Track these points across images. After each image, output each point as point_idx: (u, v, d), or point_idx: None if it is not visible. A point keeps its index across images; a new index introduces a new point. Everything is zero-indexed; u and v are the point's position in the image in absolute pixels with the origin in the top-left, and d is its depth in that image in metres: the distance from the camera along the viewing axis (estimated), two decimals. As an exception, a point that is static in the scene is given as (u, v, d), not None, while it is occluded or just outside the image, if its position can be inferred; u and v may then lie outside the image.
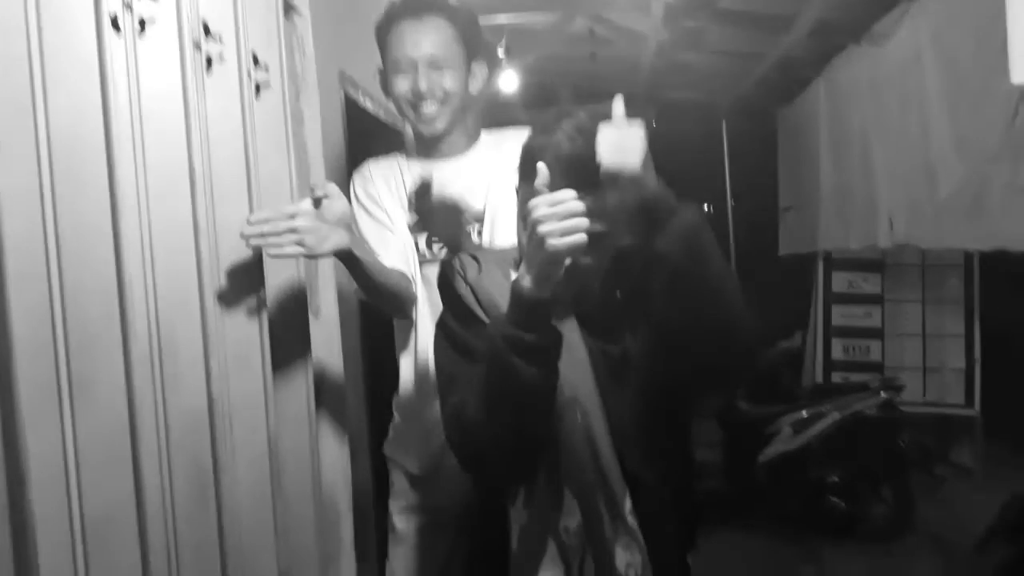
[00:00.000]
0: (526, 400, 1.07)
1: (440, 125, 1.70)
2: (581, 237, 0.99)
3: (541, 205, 1.01)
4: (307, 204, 1.38)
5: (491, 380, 1.06)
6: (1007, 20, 1.57)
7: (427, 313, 1.73)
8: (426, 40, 1.66)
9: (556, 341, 1.07)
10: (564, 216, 0.99)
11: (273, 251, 1.32)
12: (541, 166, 1.05)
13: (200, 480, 1.21)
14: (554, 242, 0.99)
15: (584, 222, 1.00)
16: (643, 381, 1.21)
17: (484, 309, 1.19)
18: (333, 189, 1.41)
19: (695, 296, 1.10)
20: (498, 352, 1.05)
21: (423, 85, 1.65)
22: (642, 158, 1.08)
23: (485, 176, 1.72)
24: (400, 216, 1.75)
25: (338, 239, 1.38)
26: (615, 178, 1.07)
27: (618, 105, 1.13)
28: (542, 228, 1.00)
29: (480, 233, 1.72)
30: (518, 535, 1.17)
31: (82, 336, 0.99)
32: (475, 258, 1.25)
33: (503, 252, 1.30)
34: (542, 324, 1.05)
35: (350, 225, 1.42)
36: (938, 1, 3.02)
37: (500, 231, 1.67)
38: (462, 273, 1.23)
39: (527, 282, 1.03)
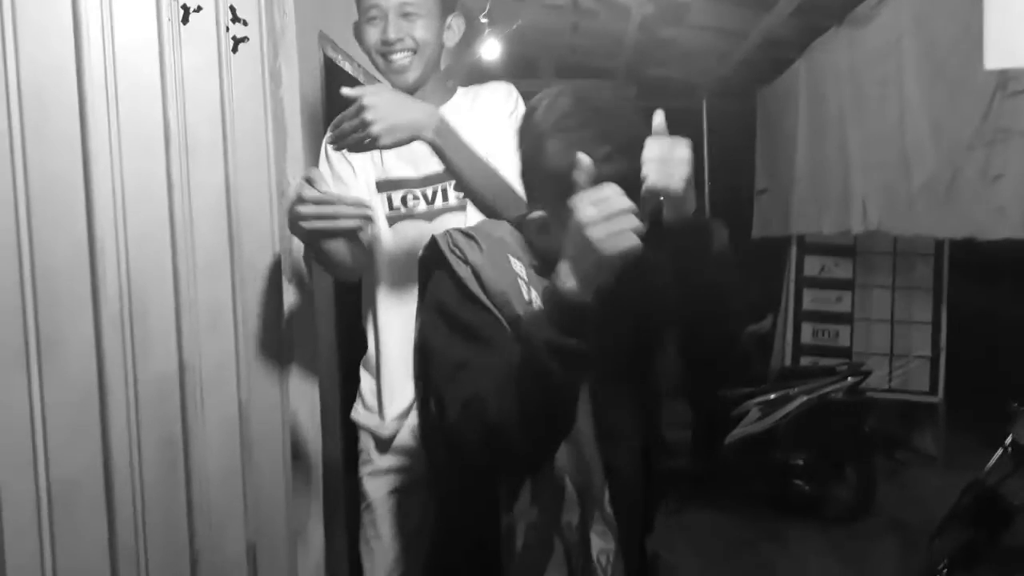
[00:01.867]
0: (560, 403, 1.01)
1: (411, 76, 1.66)
2: (636, 241, 0.94)
3: (586, 204, 0.94)
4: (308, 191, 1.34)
5: (525, 383, 0.99)
6: (984, 7, 1.56)
7: (389, 273, 1.70)
8: None
9: (594, 345, 1.00)
10: (612, 215, 0.94)
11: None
12: (582, 157, 0.98)
13: (169, 447, 1.18)
14: (605, 248, 0.93)
15: (636, 222, 0.94)
16: (626, 369, 1.20)
17: (490, 296, 1.10)
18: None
19: (704, 305, 1.12)
20: (536, 356, 0.97)
21: (392, 33, 1.61)
22: (687, 178, 1.06)
23: (466, 126, 1.69)
24: (370, 170, 1.71)
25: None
26: (658, 197, 1.05)
27: (659, 119, 1.09)
28: (593, 232, 0.93)
29: (449, 189, 1.68)
30: (523, 533, 1.11)
31: (51, 296, 0.95)
32: (471, 236, 1.14)
33: (495, 231, 1.20)
34: (585, 328, 0.98)
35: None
36: (921, -14, 3.02)
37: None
38: (460, 254, 1.12)
39: (571, 284, 0.97)
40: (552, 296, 0.99)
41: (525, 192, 1.20)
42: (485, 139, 1.64)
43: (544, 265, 1.15)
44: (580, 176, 0.98)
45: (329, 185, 1.47)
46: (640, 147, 1.06)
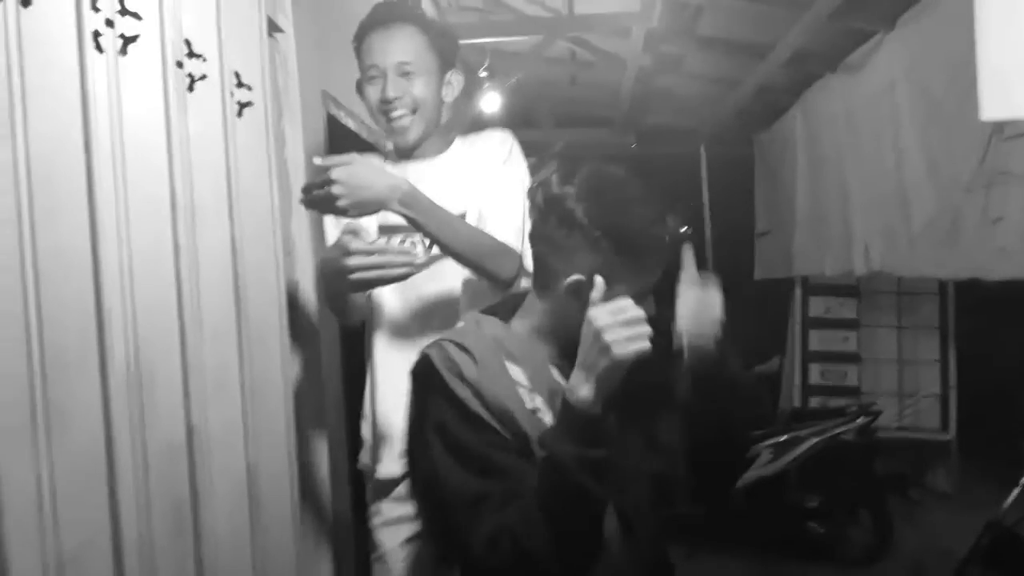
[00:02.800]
0: (595, 517, 1.02)
1: (412, 136, 1.70)
2: (646, 344, 0.98)
3: (603, 314, 0.99)
4: (338, 171, 1.40)
5: (555, 503, 0.99)
6: (977, 56, 1.58)
7: (387, 316, 1.71)
8: (395, 47, 1.65)
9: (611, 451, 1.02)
10: (627, 323, 0.98)
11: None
12: (599, 281, 1.03)
13: (178, 512, 1.17)
14: (620, 350, 0.97)
15: (647, 329, 0.99)
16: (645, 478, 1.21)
17: (493, 414, 1.07)
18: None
19: (714, 431, 1.16)
20: (565, 473, 0.98)
21: (391, 92, 1.65)
22: (719, 325, 1.10)
23: (461, 175, 1.71)
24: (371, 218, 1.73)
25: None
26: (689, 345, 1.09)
27: (688, 257, 1.14)
28: (609, 336, 0.97)
29: None
30: None
31: (59, 364, 0.95)
32: (464, 349, 1.12)
33: (486, 331, 1.18)
34: (604, 436, 1.00)
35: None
36: (912, 33, 3.07)
37: (488, 230, 1.64)
38: (456, 371, 1.09)
39: (587, 392, 0.99)
40: (569, 410, 1.00)
41: (532, 250, 1.20)
42: (479, 185, 1.67)
43: (559, 343, 1.15)
44: (596, 294, 1.02)
45: (370, 235, 1.50)
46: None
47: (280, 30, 1.71)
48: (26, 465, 0.90)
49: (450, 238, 1.49)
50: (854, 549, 3.72)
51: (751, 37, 3.86)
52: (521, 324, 1.20)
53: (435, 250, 1.65)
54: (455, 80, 1.76)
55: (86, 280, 1.02)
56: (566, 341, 1.12)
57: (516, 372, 1.11)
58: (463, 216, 1.67)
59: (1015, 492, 2.81)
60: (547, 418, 1.09)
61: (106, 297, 1.04)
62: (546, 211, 1.11)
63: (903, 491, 4.44)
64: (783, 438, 3.79)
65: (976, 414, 4.60)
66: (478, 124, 4.67)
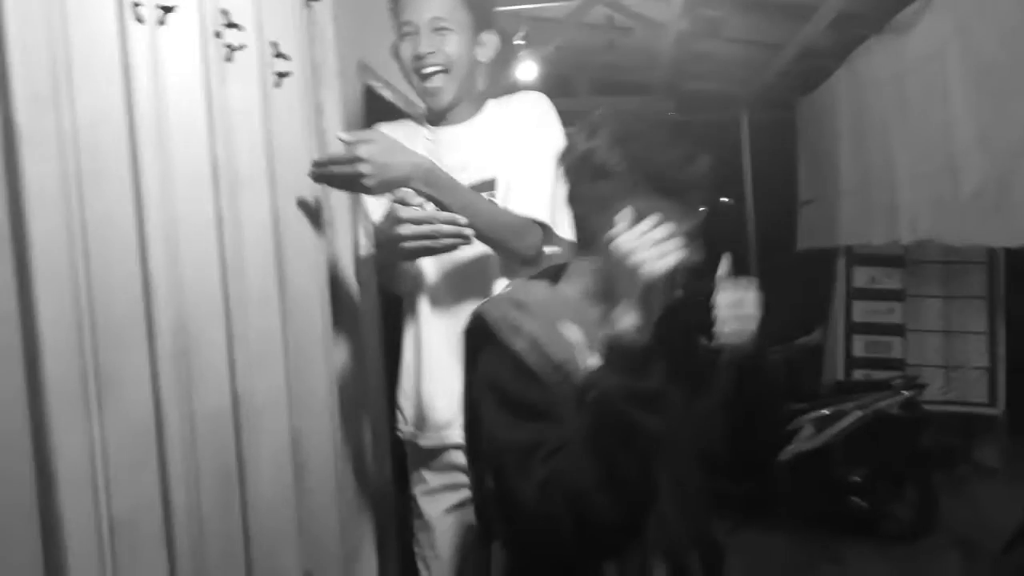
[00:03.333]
0: (646, 456, 0.99)
1: (445, 98, 1.69)
2: (675, 258, 0.97)
3: (625, 239, 0.98)
4: (363, 148, 1.39)
5: (606, 443, 0.96)
6: None
7: (430, 284, 1.71)
8: (430, 3, 1.65)
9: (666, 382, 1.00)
10: (654, 242, 0.97)
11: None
12: (624, 211, 1.01)
13: (226, 479, 1.19)
14: (650, 269, 0.96)
15: (676, 241, 0.97)
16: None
17: (549, 369, 1.05)
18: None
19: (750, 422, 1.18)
20: (614, 409, 0.96)
21: (424, 47, 1.64)
22: (755, 329, 1.12)
23: (493, 140, 1.70)
24: None
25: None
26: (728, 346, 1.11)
27: (725, 263, 1.14)
28: (635, 258, 0.96)
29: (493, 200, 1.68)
30: None
31: (109, 334, 0.97)
32: (520, 304, 1.10)
33: (540, 294, 1.16)
34: (657, 368, 0.98)
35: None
36: (964, -9, 2.97)
37: (516, 198, 1.63)
38: (514, 324, 1.07)
39: (630, 319, 0.97)
40: (613, 343, 0.98)
41: (572, 214, 1.19)
42: (509, 151, 1.65)
43: (611, 303, 1.12)
44: (619, 226, 1.00)
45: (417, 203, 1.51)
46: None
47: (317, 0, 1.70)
48: (79, 432, 0.91)
49: (471, 217, 1.48)
50: (898, 525, 3.67)
51: (794, -1, 3.76)
52: (570, 288, 1.18)
53: None
54: (489, 40, 1.75)
55: (131, 249, 1.03)
56: (617, 300, 1.10)
57: (572, 332, 1.09)
58: (493, 182, 1.66)
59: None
60: None
61: (152, 265, 1.05)
62: (580, 169, 1.11)
63: (950, 466, 4.36)
64: (826, 412, 3.74)
65: (1025, 387, 4.49)
66: (513, 91, 4.64)
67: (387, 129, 1.78)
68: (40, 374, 0.87)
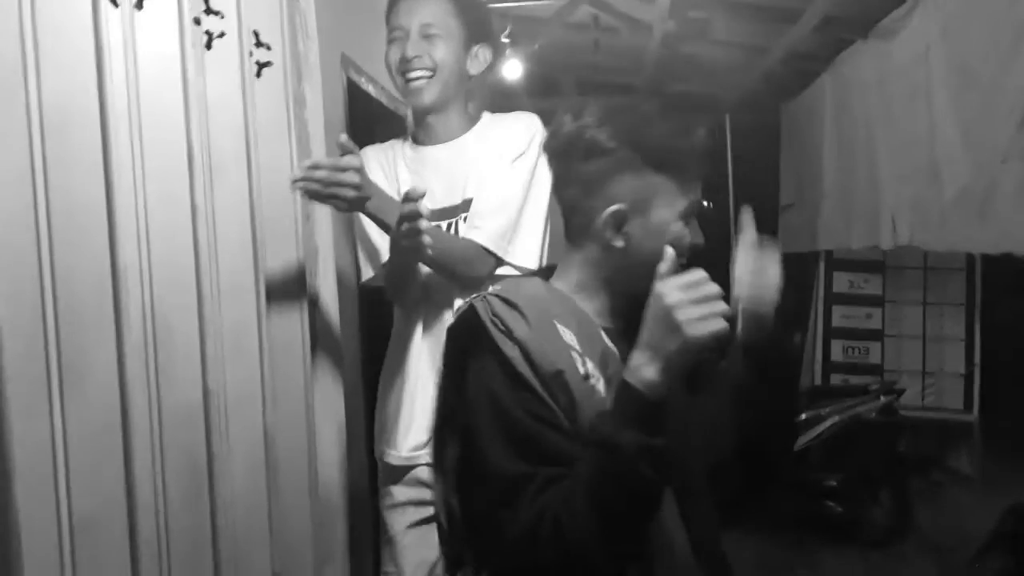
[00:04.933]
0: (648, 509, 0.94)
1: (427, 97, 1.67)
2: (723, 324, 0.88)
3: (673, 289, 0.89)
4: (357, 160, 1.37)
5: (607, 493, 0.89)
6: None
7: (427, 307, 1.70)
8: (422, 9, 1.65)
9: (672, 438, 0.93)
10: (702, 300, 0.88)
11: (315, 198, 1.37)
12: (669, 252, 0.93)
13: (194, 476, 1.16)
14: (693, 331, 0.87)
15: (724, 306, 0.89)
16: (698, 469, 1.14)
17: (542, 378, 0.96)
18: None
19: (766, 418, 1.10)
20: (619, 461, 0.88)
21: (410, 51, 1.64)
22: (777, 292, 1.02)
23: (475, 163, 1.68)
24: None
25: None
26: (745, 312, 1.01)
27: (748, 219, 1.05)
28: (681, 315, 0.87)
29: (461, 223, 1.67)
30: None
31: (74, 324, 0.94)
32: (513, 305, 1.01)
33: (533, 291, 1.07)
34: (664, 423, 0.90)
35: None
36: (949, -3, 2.98)
37: (476, 223, 1.63)
38: (504, 328, 0.99)
39: (652, 375, 0.89)
40: (630, 393, 0.90)
41: (561, 201, 1.12)
42: (484, 179, 1.64)
43: (606, 297, 1.08)
44: (664, 266, 0.92)
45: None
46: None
47: (300, -11, 1.67)
48: (40, 425, 0.88)
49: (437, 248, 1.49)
50: (873, 530, 3.68)
51: (780, 2, 3.76)
52: (563, 283, 1.10)
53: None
54: (482, 55, 1.72)
55: (101, 237, 0.99)
56: (612, 294, 1.07)
57: (568, 335, 1.01)
58: (470, 203, 1.66)
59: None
60: (600, 385, 1.00)
61: (122, 255, 1.02)
62: (569, 151, 1.04)
63: (925, 473, 4.39)
64: (804, 416, 3.75)
65: (1001, 394, 4.53)
66: (498, 91, 4.62)
67: (371, 150, 1.76)
68: (0, 363, 0.83)
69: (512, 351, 0.97)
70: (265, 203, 1.39)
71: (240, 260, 1.30)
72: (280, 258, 1.43)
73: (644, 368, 0.89)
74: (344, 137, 1.38)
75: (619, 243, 1.02)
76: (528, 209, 1.66)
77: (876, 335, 4.90)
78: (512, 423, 0.95)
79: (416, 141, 1.76)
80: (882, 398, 3.78)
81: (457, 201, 1.68)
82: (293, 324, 1.46)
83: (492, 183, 1.65)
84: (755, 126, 5.61)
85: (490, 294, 1.05)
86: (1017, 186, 2.60)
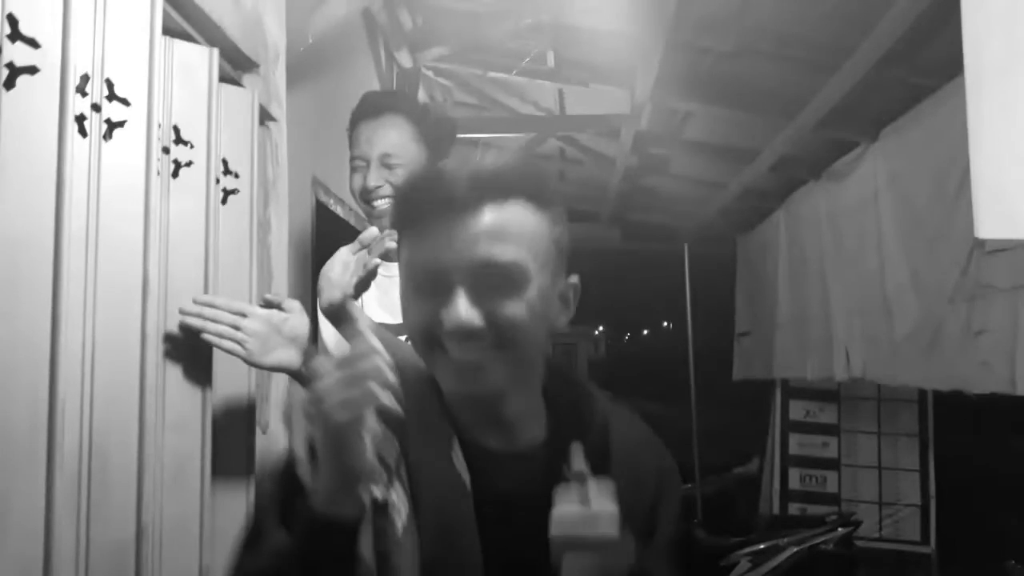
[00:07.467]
0: None
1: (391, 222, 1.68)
2: (368, 401, 0.71)
3: (329, 372, 0.73)
4: (262, 310, 1.33)
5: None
6: (972, 176, 1.56)
7: None
8: (381, 138, 1.68)
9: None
10: (352, 382, 0.71)
11: (211, 340, 1.27)
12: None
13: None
14: (336, 416, 0.71)
15: (375, 390, 0.71)
16: None
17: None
18: (295, 305, 1.38)
19: None
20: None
21: (371, 181, 1.67)
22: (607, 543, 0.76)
23: None
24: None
25: (284, 356, 1.34)
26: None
27: (577, 457, 0.80)
28: (324, 404, 0.72)
29: None
30: None
31: (1, 454, 0.90)
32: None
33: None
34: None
35: (304, 346, 1.36)
36: (895, 145, 3.14)
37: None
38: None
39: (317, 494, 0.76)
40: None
41: None
42: None
43: None
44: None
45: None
46: None
47: (273, 119, 1.71)
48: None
49: None
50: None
51: (737, 142, 3.95)
52: None
53: None
54: None
55: (42, 368, 0.97)
56: None
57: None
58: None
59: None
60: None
61: (62, 384, 0.99)
62: None
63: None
64: (762, 546, 3.71)
65: (957, 526, 4.52)
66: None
67: (344, 253, 1.75)
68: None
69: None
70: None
71: (188, 391, 1.27)
72: (232, 387, 1.41)
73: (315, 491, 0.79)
74: (269, 296, 1.38)
75: None
76: None
77: (833, 464, 4.91)
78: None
79: (386, 258, 1.77)
80: (840, 529, 3.76)
81: None
82: (239, 457, 1.42)
83: None
84: (712, 256, 5.78)
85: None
86: (962, 328, 2.68)
